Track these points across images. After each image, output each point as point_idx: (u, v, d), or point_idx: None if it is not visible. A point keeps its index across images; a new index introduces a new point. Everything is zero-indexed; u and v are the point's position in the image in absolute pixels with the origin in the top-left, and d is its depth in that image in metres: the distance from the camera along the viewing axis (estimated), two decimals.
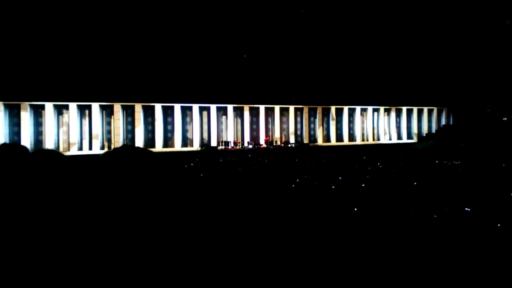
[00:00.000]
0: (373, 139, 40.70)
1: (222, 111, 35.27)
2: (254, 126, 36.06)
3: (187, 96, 33.75)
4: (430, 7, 39.66)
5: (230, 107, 34.99)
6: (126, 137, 32.20)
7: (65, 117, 30.96)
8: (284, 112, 37.42)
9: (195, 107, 33.93)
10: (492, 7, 40.05)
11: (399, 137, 41.96)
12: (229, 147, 33.57)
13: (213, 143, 34.06)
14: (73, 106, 30.34)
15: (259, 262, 5.16)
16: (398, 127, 42.05)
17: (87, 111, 31.36)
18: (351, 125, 40.02)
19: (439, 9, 39.83)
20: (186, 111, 34.22)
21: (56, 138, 30.38)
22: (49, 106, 29.63)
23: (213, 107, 34.45)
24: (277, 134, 36.58)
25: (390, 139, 41.47)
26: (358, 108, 39.96)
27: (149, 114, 32.82)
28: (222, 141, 34.33)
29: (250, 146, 34.43)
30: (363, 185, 11.57)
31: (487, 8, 40.02)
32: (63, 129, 30.86)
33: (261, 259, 5.30)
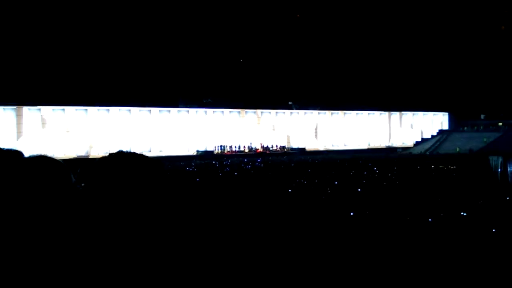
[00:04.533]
0: (369, 144, 40.71)
1: (219, 116, 35.19)
2: (251, 131, 35.98)
3: (185, 101, 33.72)
4: (428, 11, 39.90)
5: (227, 112, 34.98)
6: (122, 141, 32.04)
7: (63, 120, 30.80)
8: (281, 117, 37.42)
9: (192, 112, 33.87)
10: (488, 13, 40.34)
11: (396, 142, 41.99)
12: (225, 152, 33.50)
13: (210, 147, 33.92)
14: (71, 109, 30.21)
15: (258, 263, 5.15)
16: (395, 132, 42.10)
17: (84, 114, 31.20)
18: (348, 129, 39.98)
19: (436, 15, 40.07)
20: (183, 115, 34.08)
21: (53, 142, 30.20)
22: (47, 110, 29.52)
23: (210, 112, 34.43)
24: (273, 139, 36.50)
25: (387, 143, 41.52)
26: (354, 113, 40.05)
27: (145, 118, 32.69)
28: (218, 145, 34.21)
29: (247, 151, 34.38)
30: (359, 189, 11.58)
31: (484, 13, 40.30)
32: (60, 133, 30.71)
33: (260, 260, 5.29)
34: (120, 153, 1.53)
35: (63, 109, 30.31)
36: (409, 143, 41.74)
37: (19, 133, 28.82)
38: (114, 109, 31.51)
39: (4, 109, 28.70)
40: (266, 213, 8.70)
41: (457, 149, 34.01)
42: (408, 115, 42.67)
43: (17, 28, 29.13)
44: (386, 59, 40.51)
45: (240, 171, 18.28)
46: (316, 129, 38.42)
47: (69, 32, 30.62)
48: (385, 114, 41.62)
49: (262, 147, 35.35)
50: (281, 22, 37.56)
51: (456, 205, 8.87)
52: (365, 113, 40.57)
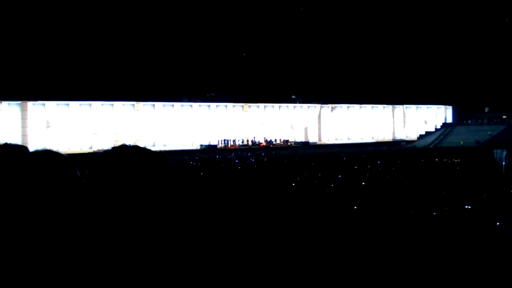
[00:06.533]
0: (373, 137, 40.63)
1: (223, 110, 35.19)
2: (254, 125, 35.98)
3: (188, 95, 33.73)
4: (431, 6, 39.62)
5: (230, 106, 34.96)
6: (126, 136, 32.12)
7: (67, 115, 30.90)
8: (284, 111, 37.38)
9: (196, 106, 33.88)
10: (492, 6, 40.02)
11: (400, 135, 41.90)
12: (229, 146, 33.53)
13: (213, 141, 33.96)
14: (74, 104, 30.28)
15: (259, 262, 5.16)
16: (399, 125, 41.98)
17: (88, 109, 31.27)
18: (351, 123, 39.90)
19: (441, 8, 39.79)
20: (186, 110, 34.11)
21: (57, 136, 30.33)
22: (52, 105, 29.60)
23: (213, 106, 34.41)
24: (276, 133, 36.48)
25: (391, 137, 41.43)
26: (357, 106, 39.93)
27: (150, 112, 32.74)
28: (222, 140, 34.26)
29: (250, 145, 34.40)
30: (363, 183, 11.57)
31: (487, 7, 40.00)
32: (65, 128, 30.83)
33: (261, 259, 5.30)
34: (124, 146, 1.53)
35: (67, 104, 30.39)
36: (413, 136, 41.64)
37: (23, 128, 28.91)
38: (118, 104, 31.57)
39: (9, 104, 28.79)
40: (270, 207, 8.72)
41: (461, 142, 33.88)
42: (411, 109, 42.51)
43: (20, 24, 29.15)
44: (389, 53, 40.30)
45: (243, 165, 18.30)
46: (319, 123, 38.36)
47: (74, 28, 30.61)
48: (388, 107, 41.48)
49: (266, 141, 35.35)
50: (285, 16, 37.41)
51: (460, 198, 8.86)
52: (368, 106, 40.43)
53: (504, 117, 40.08)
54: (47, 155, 1.48)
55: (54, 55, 30.00)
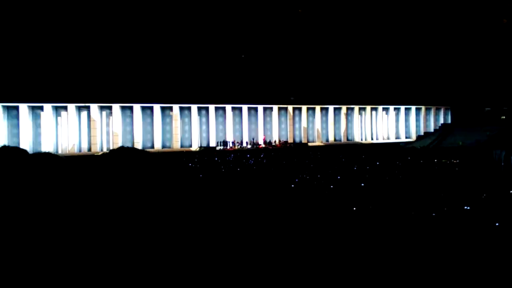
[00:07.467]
0: (372, 138, 40.69)
1: (221, 112, 35.22)
2: (253, 126, 36.04)
3: (186, 97, 33.72)
4: (429, 6, 39.70)
5: (228, 107, 34.96)
6: (125, 138, 32.13)
7: (63, 118, 30.90)
8: (282, 112, 37.40)
9: (194, 108, 33.88)
10: (490, 6, 40.12)
11: (397, 136, 41.95)
12: (228, 147, 33.55)
13: (212, 143, 34.05)
14: (72, 107, 30.28)
15: (259, 262, 5.16)
16: (396, 126, 42.04)
17: (86, 112, 31.30)
18: (350, 124, 39.99)
19: (438, 8, 39.87)
20: (184, 112, 34.15)
21: (55, 139, 30.33)
22: (47, 108, 29.59)
23: (211, 108, 34.41)
24: (275, 134, 36.54)
25: (389, 138, 41.47)
26: (356, 108, 39.97)
27: (147, 115, 32.75)
28: (220, 141, 34.31)
29: (249, 146, 34.41)
30: (362, 184, 11.57)
31: (485, 7, 40.09)
32: (61, 130, 30.83)
33: (261, 259, 5.30)
34: (122, 149, 1.52)
35: (66, 107, 30.43)
36: (412, 137, 41.71)
37: (21, 131, 28.90)
38: (116, 106, 31.58)
39: (3, 106, 28.81)
40: (269, 208, 8.71)
41: (460, 143, 33.88)
42: (410, 109, 42.56)
43: (19, 27, 29.12)
44: (387, 54, 40.36)
45: (242, 166, 18.30)
46: (318, 124, 38.39)
47: (71, 31, 30.60)
48: (387, 108, 41.52)
49: (265, 142, 35.39)
50: (284, 18, 37.45)
51: (459, 199, 8.86)
52: (367, 107, 40.47)
53: (503, 117, 40.09)
54: (45, 157, 1.47)
55: (50, 58, 29.99)
